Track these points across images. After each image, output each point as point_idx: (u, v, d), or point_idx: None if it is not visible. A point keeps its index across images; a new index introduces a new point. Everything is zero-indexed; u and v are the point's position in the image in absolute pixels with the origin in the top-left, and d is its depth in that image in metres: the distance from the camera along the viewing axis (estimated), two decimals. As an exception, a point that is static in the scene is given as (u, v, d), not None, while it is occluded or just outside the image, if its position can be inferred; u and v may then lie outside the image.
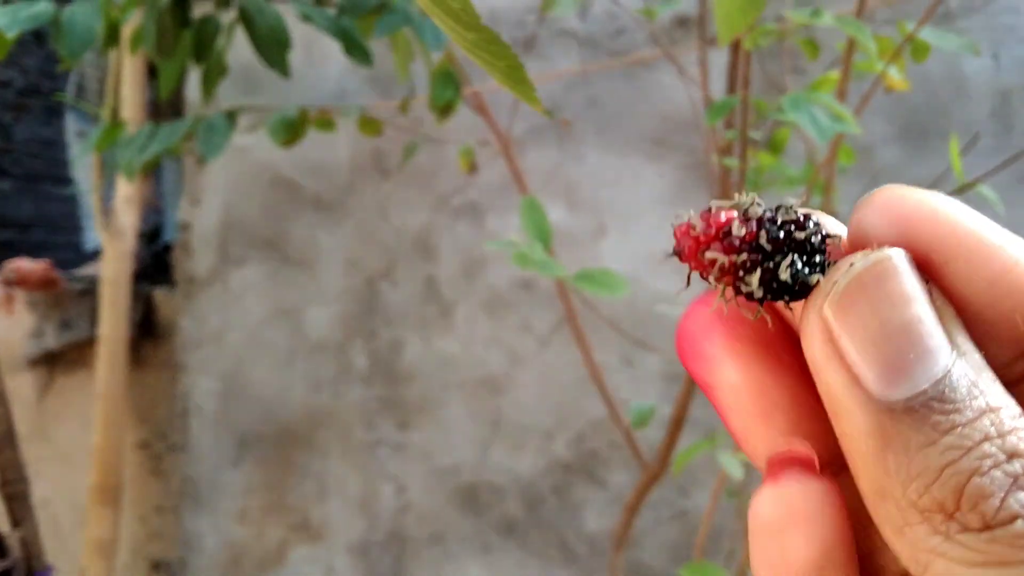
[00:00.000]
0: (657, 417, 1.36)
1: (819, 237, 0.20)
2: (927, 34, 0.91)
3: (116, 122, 1.43)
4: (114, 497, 1.57)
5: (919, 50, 0.95)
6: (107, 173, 1.60)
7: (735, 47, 1.16)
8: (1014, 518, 0.17)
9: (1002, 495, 0.17)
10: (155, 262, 1.88)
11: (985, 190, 0.74)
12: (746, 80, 0.73)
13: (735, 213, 0.21)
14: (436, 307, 1.52)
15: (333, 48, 1.50)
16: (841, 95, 0.77)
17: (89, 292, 1.73)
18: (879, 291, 0.19)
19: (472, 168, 1.35)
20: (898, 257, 0.19)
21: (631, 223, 1.45)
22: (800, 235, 0.20)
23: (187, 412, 1.65)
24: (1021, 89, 1.35)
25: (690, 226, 0.22)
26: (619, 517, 1.45)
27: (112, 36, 1.01)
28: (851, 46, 0.75)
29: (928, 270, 0.20)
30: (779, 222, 0.20)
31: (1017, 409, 0.18)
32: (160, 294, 1.67)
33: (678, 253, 0.23)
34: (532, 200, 0.85)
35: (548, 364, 1.51)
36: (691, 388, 1.28)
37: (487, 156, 1.43)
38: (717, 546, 1.38)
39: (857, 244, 0.21)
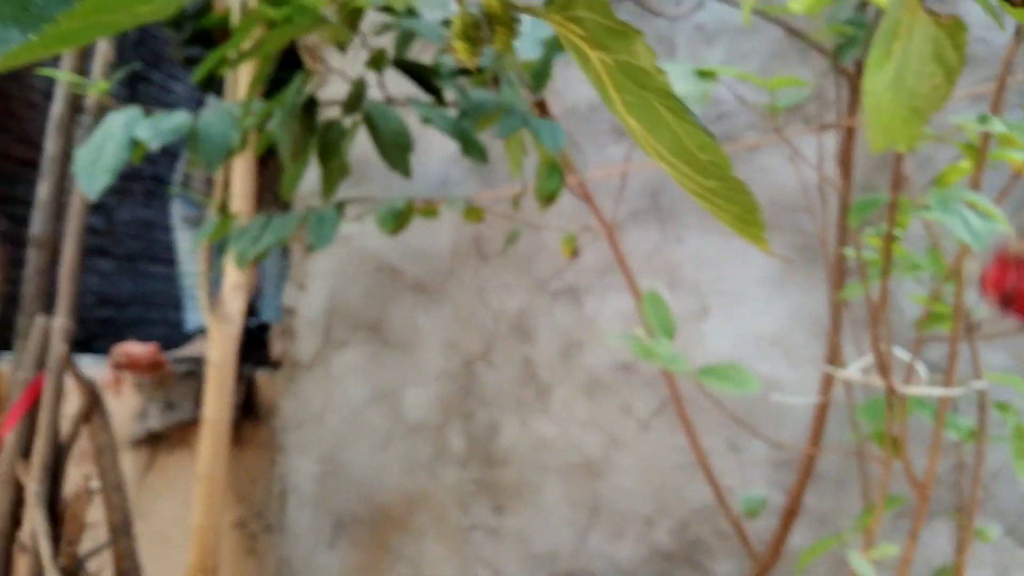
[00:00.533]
0: (768, 505, 1.32)
1: None
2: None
3: (227, 214, 1.50)
4: (214, 578, 1.58)
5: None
6: (215, 259, 1.66)
7: (847, 134, 1.16)
8: None
9: None
10: (250, 340, 1.93)
11: None
12: (897, 179, 0.72)
13: None
14: (533, 389, 1.52)
15: (436, 137, 1.55)
16: (975, 185, 0.75)
17: (193, 374, 1.78)
18: None
19: (575, 254, 1.36)
20: None
21: (735, 305, 1.43)
22: None
23: (285, 493, 1.66)
24: None
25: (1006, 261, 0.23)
26: (726, 610, 1.40)
27: (243, 143, 1.06)
28: (988, 137, 0.73)
29: None
30: None
31: None
32: (262, 376, 1.71)
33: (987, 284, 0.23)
34: (654, 293, 0.84)
35: (648, 448, 1.48)
36: (805, 477, 1.24)
37: (586, 239, 1.45)
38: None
39: None
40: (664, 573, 1.48)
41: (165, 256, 3.59)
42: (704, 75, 0.99)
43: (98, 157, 0.94)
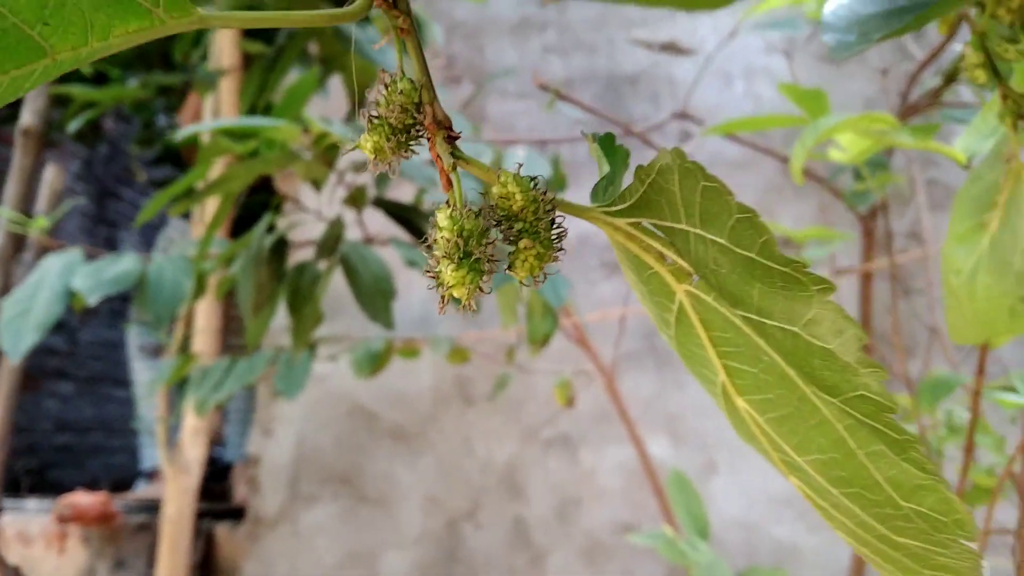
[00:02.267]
0: None
1: None
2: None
3: (188, 355, 1.36)
4: None
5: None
6: (174, 399, 1.51)
7: (866, 278, 1.06)
8: None
9: None
10: (211, 481, 1.76)
11: None
12: (981, 369, 0.60)
13: None
14: (526, 554, 1.36)
15: (416, 275, 1.43)
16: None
17: (146, 527, 1.60)
18: None
19: (570, 402, 1.23)
20: None
21: (744, 460, 1.30)
22: None
23: (244, 668, 1.47)
24: None
25: None
26: None
27: (200, 289, 0.94)
28: None
29: None
30: None
31: None
32: (223, 531, 1.53)
33: None
34: (680, 476, 0.71)
35: (654, 619, 1.32)
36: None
37: (579, 384, 1.32)
38: None
39: None
40: None
41: (128, 379, 3.42)
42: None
43: (28, 309, 0.81)
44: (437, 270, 0.25)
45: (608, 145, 0.25)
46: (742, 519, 1.28)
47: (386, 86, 0.26)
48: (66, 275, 0.83)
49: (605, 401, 1.33)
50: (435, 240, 0.25)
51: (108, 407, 3.41)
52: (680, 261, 0.21)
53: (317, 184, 1.00)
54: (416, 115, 0.27)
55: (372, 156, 0.27)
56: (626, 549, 1.33)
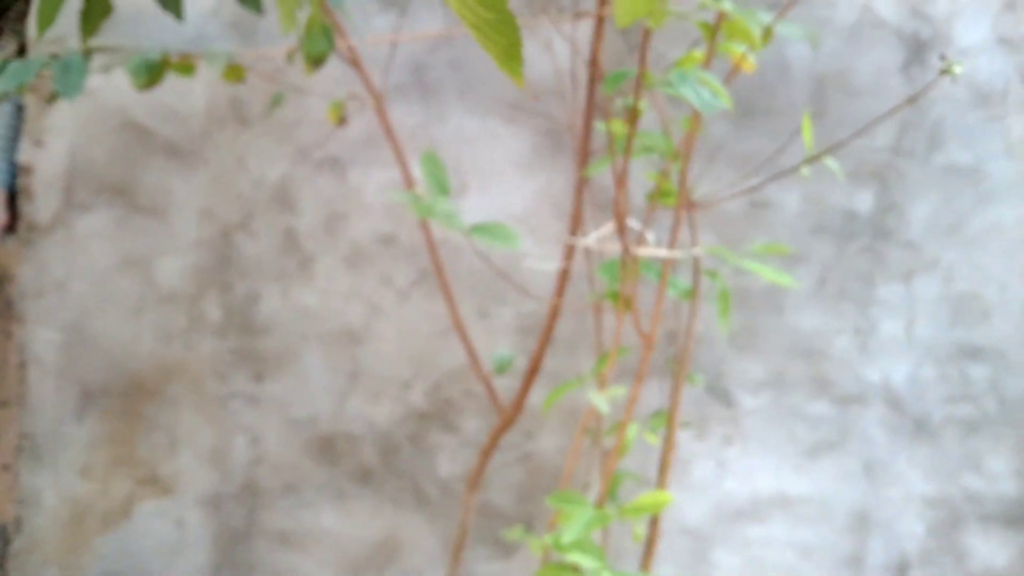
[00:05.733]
0: (512, 367, 1.45)
1: None
2: (775, 23, 1.03)
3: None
4: (-58, 454, 1.48)
5: (764, 37, 1.07)
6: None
7: (599, 22, 1.24)
8: None
9: None
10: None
11: (830, 162, 0.86)
12: (644, 55, 0.81)
13: None
14: (295, 259, 1.53)
15: (192, -9, 1.46)
16: (707, 64, 0.86)
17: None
18: None
19: (342, 121, 1.36)
20: None
21: (490, 182, 1.52)
22: None
23: (24, 364, 1.57)
24: (834, 76, 1.52)
25: None
26: (472, 461, 1.53)
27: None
28: (717, 28, 0.84)
29: None
30: None
31: None
32: (-8, 240, 1.57)
33: None
34: (432, 155, 0.89)
35: (407, 317, 1.56)
36: (547, 337, 1.38)
37: (352, 109, 1.45)
38: (571, 484, 1.49)
39: None
40: (418, 432, 1.58)
41: None
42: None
43: None
44: None
45: None
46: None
47: None
48: None
49: (375, 127, 1.47)
50: None
51: None
52: None
53: None
54: None
55: None
56: (386, 256, 1.53)
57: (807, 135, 0.87)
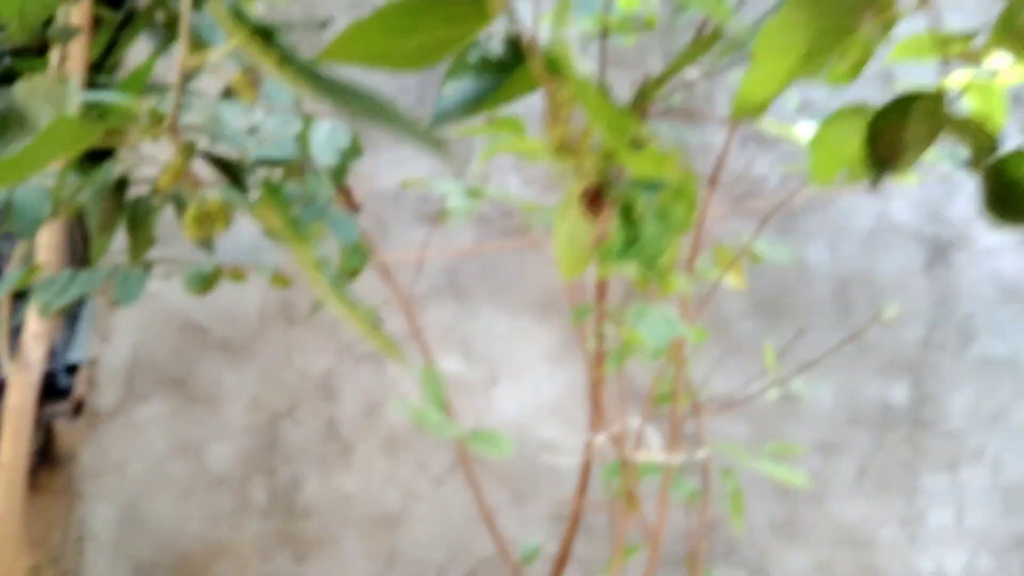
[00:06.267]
0: (544, 554, 1.46)
1: None
2: (763, 245, 1.09)
3: (33, 265, 1.49)
4: (1, 630, 1.56)
5: (757, 257, 1.13)
6: (16, 306, 1.64)
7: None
8: None
9: None
10: (50, 385, 1.90)
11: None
12: (601, 295, 0.88)
13: None
14: (336, 446, 1.60)
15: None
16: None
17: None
18: None
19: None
20: None
21: (521, 375, 1.58)
22: None
23: (82, 539, 1.66)
24: (857, 276, 1.55)
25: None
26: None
27: (55, 212, 1.10)
28: (695, 253, 0.91)
29: None
30: None
31: None
32: (62, 423, 1.70)
33: None
34: (431, 370, 0.96)
35: (443, 502, 1.60)
36: (573, 527, 1.40)
37: (389, 311, 1.54)
38: None
39: None
40: (452, 618, 1.60)
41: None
42: (475, 194, 1.13)
43: None
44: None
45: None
46: (516, 421, 1.56)
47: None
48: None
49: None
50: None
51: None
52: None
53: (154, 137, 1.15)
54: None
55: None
56: (421, 442, 1.59)
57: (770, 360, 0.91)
